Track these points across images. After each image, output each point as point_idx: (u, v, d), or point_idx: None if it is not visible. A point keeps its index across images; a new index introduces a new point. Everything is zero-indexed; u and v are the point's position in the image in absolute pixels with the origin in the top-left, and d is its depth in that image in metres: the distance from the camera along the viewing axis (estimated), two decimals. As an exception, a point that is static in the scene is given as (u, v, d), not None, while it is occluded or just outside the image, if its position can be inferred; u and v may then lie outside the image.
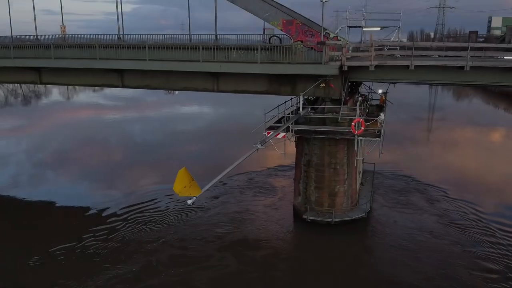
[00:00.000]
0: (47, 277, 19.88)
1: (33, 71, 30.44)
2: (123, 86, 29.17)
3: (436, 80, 24.86)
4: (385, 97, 30.90)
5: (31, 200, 29.17)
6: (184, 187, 15.00)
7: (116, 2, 28.07)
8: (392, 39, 29.71)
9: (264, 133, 21.01)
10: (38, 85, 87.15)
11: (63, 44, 28.95)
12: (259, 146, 18.50)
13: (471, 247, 22.66)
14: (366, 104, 29.13)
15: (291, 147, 26.19)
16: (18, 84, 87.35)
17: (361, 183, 29.95)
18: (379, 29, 32.80)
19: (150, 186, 31.09)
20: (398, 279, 19.87)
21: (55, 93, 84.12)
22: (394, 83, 32.76)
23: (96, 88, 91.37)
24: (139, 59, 26.11)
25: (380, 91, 32.00)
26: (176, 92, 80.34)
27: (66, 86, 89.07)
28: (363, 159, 31.57)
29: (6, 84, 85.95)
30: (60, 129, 49.08)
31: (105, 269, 20.14)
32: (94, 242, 22.84)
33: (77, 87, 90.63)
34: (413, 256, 21.83)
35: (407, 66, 22.98)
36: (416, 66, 22.90)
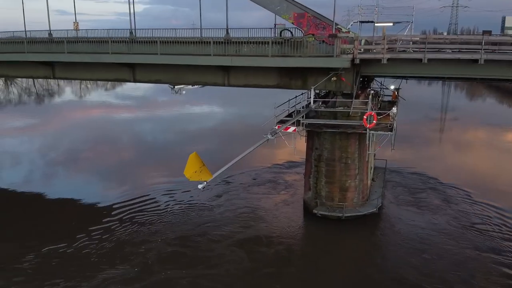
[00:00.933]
0: (65, 267, 20.08)
1: (46, 66, 30.79)
2: (135, 81, 29.34)
3: (449, 74, 24.48)
4: (398, 93, 30.62)
5: (44, 197, 29.21)
6: (194, 172, 14.96)
7: (129, 1, 28.15)
8: (405, 32, 29.50)
9: (274, 127, 20.89)
10: (52, 84, 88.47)
11: (76, 39, 29.17)
12: (269, 136, 18.43)
13: (488, 250, 21.68)
14: (378, 100, 28.90)
15: (302, 144, 26.05)
16: (32, 82, 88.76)
17: (372, 179, 29.67)
18: (391, 24, 32.62)
19: (162, 184, 30.78)
20: (408, 280, 19.17)
21: (68, 91, 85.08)
22: (406, 78, 32.46)
23: (108, 87, 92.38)
24: (151, 53, 26.25)
25: (392, 87, 31.73)
26: (184, 92, 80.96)
27: (78, 85, 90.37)
28: (374, 154, 31.33)
29: (20, 82, 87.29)
30: (73, 127, 49.31)
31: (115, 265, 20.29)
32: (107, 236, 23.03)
33: (89, 85, 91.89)
34: (425, 257, 21.07)
35: (420, 60, 22.70)
36: (429, 60, 22.60)
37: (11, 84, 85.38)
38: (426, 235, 23.34)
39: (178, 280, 18.83)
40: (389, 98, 31.20)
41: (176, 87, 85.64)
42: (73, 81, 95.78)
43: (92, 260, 20.69)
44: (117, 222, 24.63)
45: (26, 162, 35.53)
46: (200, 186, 15.37)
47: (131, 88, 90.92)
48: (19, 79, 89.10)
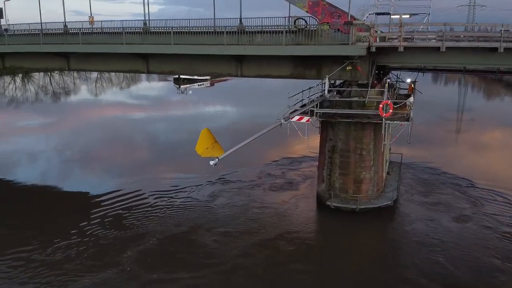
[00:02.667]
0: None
1: (61, 58, 31.02)
2: (148, 72, 29.37)
3: (467, 63, 23.91)
4: (414, 86, 30.08)
5: (57, 190, 29.20)
6: (206, 149, 14.74)
7: (144, 2, 28.12)
8: (421, 26, 28.92)
9: (287, 113, 20.42)
10: (67, 82, 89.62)
11: (91, 30, 29.33)
12: (282, 121, 18.16)
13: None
14: (394, 92, 28.40)
15: (315, 140, 25.60)
16: (49, 80, 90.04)
17: (388, 173, 29.12)
18: (408, 16, 32.02)
19: (175, 179, 30.38)
20: (423, 281, 18.24)
21: (83, 90, 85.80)
22: (423, 70, 31.89)
23: (123, 85, 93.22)
24: (164, 43, 26.21)
25: (408, 80, 31.21)
26: (190, 91, 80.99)
27: (94, 84, 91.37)
28: (390, 148, 30.80)
29: (37, 80, 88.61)
30: (88, 126, 49.12)
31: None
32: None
33: (104, 84, 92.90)
34: (442, 255, 20.20)
35: (438, 49, 22.18)
36: (447, 48, 22.06)
37: (28, 82, 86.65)
38: (442, 231, 22.61)
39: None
40: (405, 92, 30.69)
41: (181, 86, 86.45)
42: (88, 80, 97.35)
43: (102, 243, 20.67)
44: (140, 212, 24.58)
45: (42, 160, 35.46)
46: (212, 163, 15.12)
47: (144, 87, 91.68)
48: (36, 77, 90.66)
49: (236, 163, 30.13)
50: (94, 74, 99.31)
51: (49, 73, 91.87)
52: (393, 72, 32.37)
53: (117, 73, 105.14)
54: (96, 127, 48.37)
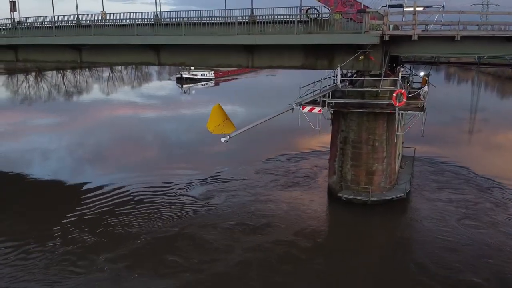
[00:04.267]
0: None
1: (73, 50, 31.17)
2: (159, 64, 29.32)
3: (482, 53, 23.47)
4: (428, 79, 29.62)
5: (68, 184, 28.77)
6: (217, 126, 14.51)
7: (156, 3, 28.01)
8: (435, 18, 28.49)
9: (295, 106, 19.97)
10: (80, 81, 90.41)
11: (103, 23, 29.42)
12: (294, 105, 17.91)
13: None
14: (407, 84, 27.97)
15: (325, 137, 25.16)
16: (61, 79, 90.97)
17: (400, 166, 28.69)
18: (421, 8, 31.55)
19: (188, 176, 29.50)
20: (437, 281, 17.29)
21: (96, 89, 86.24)
22: (436, 63, 31.51)
23: (134, 85, 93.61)
24: (175, 34, 26.19)
25: (422, 73, 30.81)
26: (193, 91, 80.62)
27: (106, 83, 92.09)
28: (402, 142, 30.40)
29: (50, 78, 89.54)
30: (100, 126, 48.49)
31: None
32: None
33: (116, 83, 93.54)
34: (456, 252, 19.27)
35: (452, 38, 21.75)
36: (462, 37, 21.63)
37: (41, 80, 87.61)
38: (457, 227, 21.78)
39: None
40: (419, 86, 30.22)
41: (184, 86, 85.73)
42: (101, 79, 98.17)
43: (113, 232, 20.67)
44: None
45: (55, 157, 34.68)
46: (223, 140, 14.90)
47: (155, 87, 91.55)
48: (49, 75, 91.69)
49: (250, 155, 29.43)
50: (106, 73, 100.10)
51: (62, 71, 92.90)
52: (406, 66, 32.01)
53: (128, 67, 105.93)
54: (108, 126, 48.15)
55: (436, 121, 38.96)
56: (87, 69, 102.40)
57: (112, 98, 74.25)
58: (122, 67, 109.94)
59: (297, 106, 18.25)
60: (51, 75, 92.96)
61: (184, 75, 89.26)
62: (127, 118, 52.78)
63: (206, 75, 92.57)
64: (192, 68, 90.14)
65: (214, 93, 79.67)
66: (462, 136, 44.17)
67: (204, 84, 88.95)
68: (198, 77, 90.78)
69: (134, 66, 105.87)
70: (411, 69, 31.38)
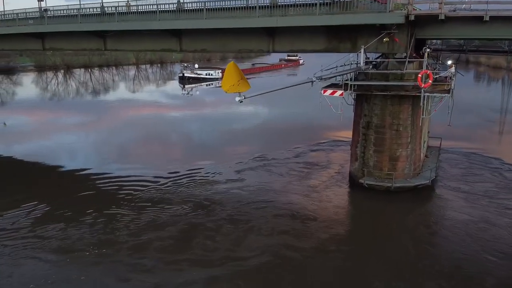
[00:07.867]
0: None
1: (98, 38, 31.73)
2: (181, 50, 29.53)
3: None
4: (455, 67, 28.64)
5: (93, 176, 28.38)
6: (232, 85, 14.15)
7: None
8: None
9: (315, 79, 19.37)
10: (107, 79, 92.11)
11: (126, 10, 29.79)
12: (314, 79, 17.46)
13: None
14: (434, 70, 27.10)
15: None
16: (89, 76, 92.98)
17: (426, 156, 27.74)
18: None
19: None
20: (461, 276, 16.14)
21: (122, 87, 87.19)
22: (464, 50, 30.45)
23: (159, 85, 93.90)
24: (197, 18, 26.20)
25: (449, 62, 29.81)
26: (197, 92, 73.80)
27: (132, 81, 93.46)
28: (428, 132, 29.47)
29: (78, 76, 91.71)
30: (125, 125, 47.36)
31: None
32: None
33: (141, 82, 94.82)
34: (484, 246, 18.04)
35: (481, 18, 20.87)
36: (491, 18, 20.73)
37: (69, 78, 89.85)
38: (483, 219, 20.51)
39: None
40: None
41: (186, 86, 78.06)
42: (127, 77, 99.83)
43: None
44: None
45: (82, 153, 33.94)
46: (237, 99, 14.56)
47: (177, 88, 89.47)
48: (77, 72, 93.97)
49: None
50: (132, 72, 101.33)
51: (89, 69, 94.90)
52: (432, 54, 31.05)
53: (153, 66, 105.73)
54: (136, 124, 47.61)
55: (463, 124, 37.67)
56: (113, 67, 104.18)
57: (137, 97, 74.14)
58: (148, 66, 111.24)
59: (317, 79, 17.78)
60: (79, 72, 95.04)
61: (186, 75, 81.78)
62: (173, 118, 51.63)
63: (212, 74, 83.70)
64: (196, 66, 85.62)
65: (218, 95, 74.50)
66: (491, 135, 42.30)
67: (209, 85, 79.71)
68: (203, 76, 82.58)
69: (159, 65, 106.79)
70: (438, 57, 30.44)
